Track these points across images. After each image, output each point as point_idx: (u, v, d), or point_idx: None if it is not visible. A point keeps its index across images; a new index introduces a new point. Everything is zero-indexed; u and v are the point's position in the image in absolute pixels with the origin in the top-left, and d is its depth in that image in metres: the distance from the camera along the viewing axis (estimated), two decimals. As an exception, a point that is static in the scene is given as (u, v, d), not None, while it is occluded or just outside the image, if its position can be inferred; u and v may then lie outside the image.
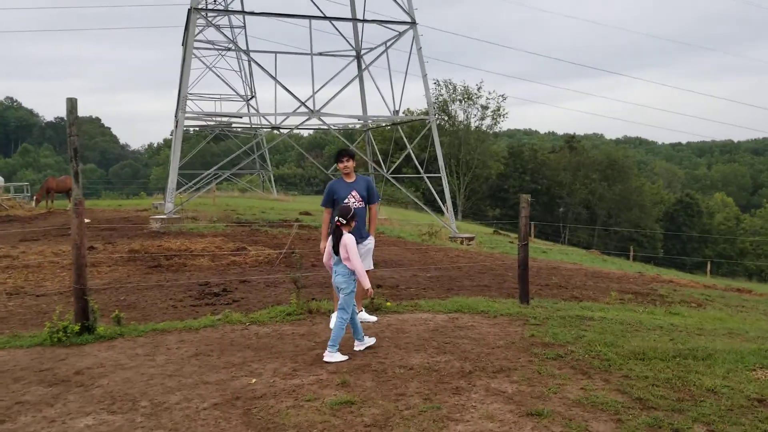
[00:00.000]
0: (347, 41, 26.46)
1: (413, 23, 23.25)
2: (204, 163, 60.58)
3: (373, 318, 7.87)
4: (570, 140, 79.79)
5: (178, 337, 7.34)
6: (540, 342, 6.92)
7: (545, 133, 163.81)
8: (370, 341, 6.80)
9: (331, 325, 7.56)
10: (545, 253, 24.55)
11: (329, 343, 6.36)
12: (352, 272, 6.47)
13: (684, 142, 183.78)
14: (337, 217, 6.55)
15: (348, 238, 6.44)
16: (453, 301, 9.17)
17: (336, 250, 6.49)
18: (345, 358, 6.31)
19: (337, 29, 25.25)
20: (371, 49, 26.46)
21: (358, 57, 27.17)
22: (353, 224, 6.64)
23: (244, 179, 53.24)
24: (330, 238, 6.63)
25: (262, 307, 9.02)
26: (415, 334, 7.23)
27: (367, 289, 6.44)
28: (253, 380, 5.71)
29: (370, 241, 7.85)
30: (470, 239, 21.97)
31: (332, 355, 6.30)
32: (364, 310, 7.96)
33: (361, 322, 7.60)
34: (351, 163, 7.69)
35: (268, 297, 10.08)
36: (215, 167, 26.90)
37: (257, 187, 50.67)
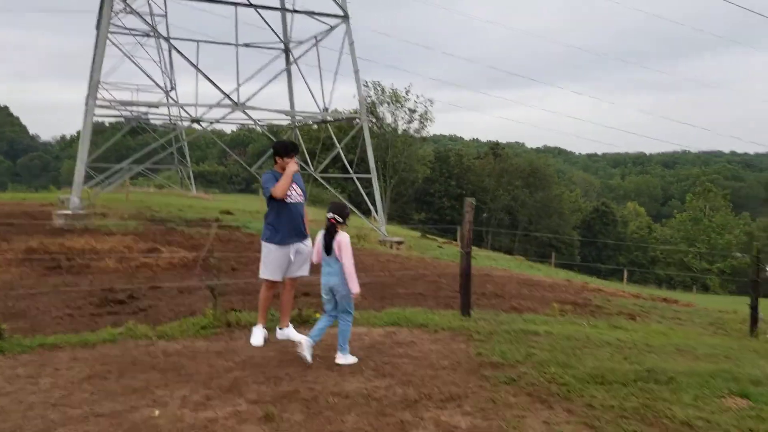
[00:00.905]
0: (275, 33, 25.29)
1: (346, 17, 22.41)
2: (120, 157, 57.47)
3: (301, 337, 6.92)
4: (495, 147, 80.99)
5: (70, 354, 6.21)
6: (488, 362, 6.22)
7: (470, 140, 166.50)
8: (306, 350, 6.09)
9: (254, 341, 6.65)
10: (474, 258, 24.20)
11: (340, 344, 6.12)
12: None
13: (600, 153, 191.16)
14: (332, 214, 6.09)
15: (344, 238, 6.06)
16: (389, 312, 8.38)
17: (328, 249, 6.06)
18: (356, 359, 6.12)
19: (264, 19, 24.05)
20: (301, 43, 25.43)
21: (287, 50, 26.08)
22: (347, 222, 6.23)
23: (161, 175, 50.85)
24: (321, 236, 6.15)
25: (173, 319, 7.95)
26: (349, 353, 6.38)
27: (355, 293, 6.08)
28: (156, 412, 4.71)
29: (310, 243, 6.97)
30: (400, 243, 21.33)
31: (346, 357, 6.10)
32: (291, 325, 7.03)
33: (287, 339, 6.68)
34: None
35: (180, 306, 8.99)
36: (128, 160, 25.13)
37: (175, 184, 48.44)
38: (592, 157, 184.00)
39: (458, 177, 72.91)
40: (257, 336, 6.73)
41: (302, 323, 7.55)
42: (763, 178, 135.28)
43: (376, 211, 23.31)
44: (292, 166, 6.64)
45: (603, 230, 79.85)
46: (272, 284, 6.74)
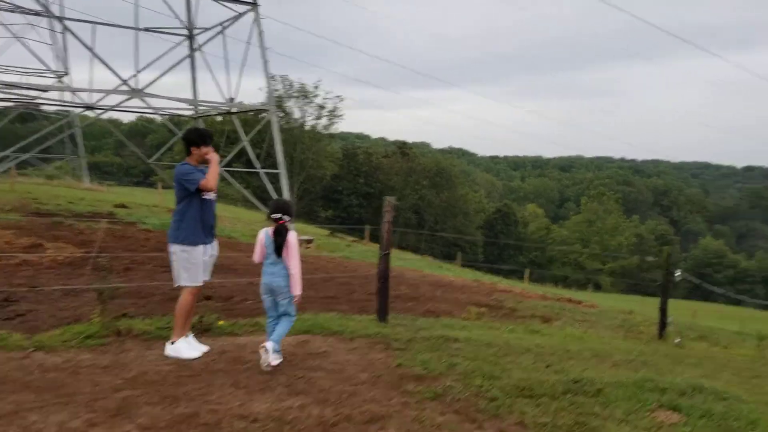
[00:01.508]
0: (177, 17, 23.91)
1: (254, 4, 21.45)
2: (6, 146, 53.41)
3: (203, 348, 6.19)
4: (402, 146, 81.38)
5: None
6: (410, 374, 5.76)
7: (377, 138, 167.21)
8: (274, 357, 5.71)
9: (189, 353, 5.94)
10: (383, 258, 23.95)
11: (274, 347, 5.69)
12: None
13: (501, 155, 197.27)
14: (280, 214, 5.74)
15: (293, 238, 5.82)
16: (301, 318, 7.76)
17: (279, 250, 5.75)
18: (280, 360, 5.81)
19: (166, 2, 22.70)
20: (206, 30, 24.19)
21: (191, 37, 24.74)
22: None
23: (52, 165, 47.49)
24: (265, 235, 5.80)
25: (55, 326, 6.99)
26: (258, 366, 5.74)
27: (297, 296, 5.88)
28: (25, 445, 3.94)
29: (217, 246, 6.26)
30: (309, 242, 20.65)
31: (278, 357, 5.79)
32: (191, 334, 6.28)
33: (179, 357, 5.92)
34: None
35: (64, 311, 8.00)
36: (13, 148, 23.03)
37: (67, 175, 45.34)
38: (494, 159, 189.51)
39: (366, 175, 72.70)
40: (189, 349, 5.99)
41: (204, 332, 6.82)
42: (650, 183, 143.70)
43: (284, 208, 22.51)
44: (215, 155, 5.97)
45: (505, 230, 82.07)
46: (196, 290, 6.02)
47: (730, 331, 16.30)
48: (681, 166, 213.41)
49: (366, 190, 70.94)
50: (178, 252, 5.87)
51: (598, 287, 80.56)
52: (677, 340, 9.69)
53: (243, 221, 26.29)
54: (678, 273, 9.71)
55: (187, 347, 6.02)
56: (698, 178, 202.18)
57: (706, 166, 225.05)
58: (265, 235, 5.82)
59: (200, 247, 5.93)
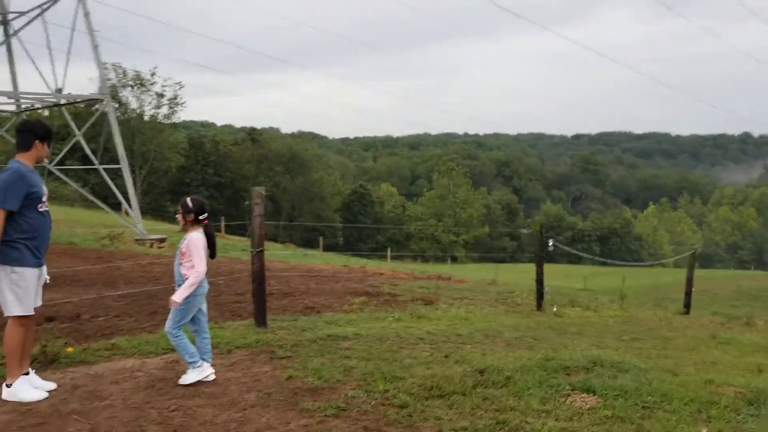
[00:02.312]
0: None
1: (77, -17, 19.25)
2: None
3: (49, 386, 5.08)
4: (252, 133, 79.12)
5: None
6: (304, 387, 5.06)
7: (222, 126, 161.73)
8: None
9: (31, 396, 4.79)
10: (245, 251, 22.73)
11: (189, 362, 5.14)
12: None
13: (352, 137, 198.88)
14: (204, 216, 5.16)
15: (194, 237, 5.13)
16: (163, 333, 6.77)
17: (215, 252, 5.24)
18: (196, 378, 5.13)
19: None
20: (23, 14, 21.45)
21: (5, 22, 21.84)
22: None
23: None
24: (202, 238, 5.14)
25: None
26: (120, 400, 4.77)
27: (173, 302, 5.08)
28: None
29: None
30: (161, 241, 19.07)
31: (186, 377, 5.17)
32: (32, 370, 5.14)
33: (19, 401, 4.81)
34: None
35: None
36: None
37: None
38: (344, 141, 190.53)
39: (215, 165, 69.88)
40: (30, 390, 4.84)
41: (49, 364, 5.68)
42: (492, 156, 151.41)
43: (130, 206, 20.63)
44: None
45: (362, 211, 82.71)
46: (27, 320, 4.86)
47: (592, 293, 17.09)
48: (519, 138, 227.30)
49: (216, 180, 68.24)
50: (7, 275, 4.72)
51: (454, 259, 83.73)
52: (554, 309, 9.76)
53: (83, 224, 23.97)
54: (551, 243, 9.75)
55: (27, 388, 4.90)
56: (535, 148, 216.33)
57: (540, 137, 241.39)
58: (202, 238, 5.15)
59: (35, 270, 4.82)
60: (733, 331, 9.94)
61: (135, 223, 20.28)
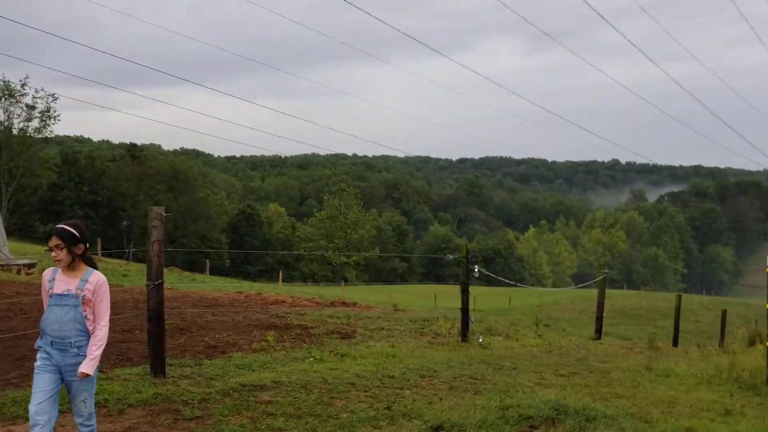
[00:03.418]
0: None
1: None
2: None
3: None
4: (132, 149, 74.88)
5: None
6: (225, 462, 3.98)
7: (99, 141, 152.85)
8: None
9: None
10: (126, 276, 20.70)
11: None
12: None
13: (239, 155, 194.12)
14: (82, 239, 3.72)
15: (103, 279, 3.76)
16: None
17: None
18: None
19: None
20: None
21: None
22: None
23: None
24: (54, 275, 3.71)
25: None
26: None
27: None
28: None
29: None
30: (31, 266, 16.85)
31: None
32: None
33: None
34: None
35: None
36: None
37: None
38: (231, 159, 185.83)
39: (91, 182, 65.33)
40: None
41: None
42: (381, 178, 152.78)
43: (-7, 227, 18.18)
44: None
45: (250, 232, 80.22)
46: None
47: (505, 319, 16.75)
48: (406, 161, 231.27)
49: (92, 199, 63.80)
50: None
51: (345, 280, 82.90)
52: (480, 340, 9.12)
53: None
54: (476, 269, 9.13)
55: None
56: (421, 170, 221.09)
57: (427, 160, 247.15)
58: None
59: None
60: (656, 358, 9.71)
61: (0, 246, 17.87)
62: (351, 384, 6.01)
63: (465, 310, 9.05)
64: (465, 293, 9.11)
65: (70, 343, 3.59)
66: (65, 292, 3.63)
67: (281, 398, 5.34)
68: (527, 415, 4.93)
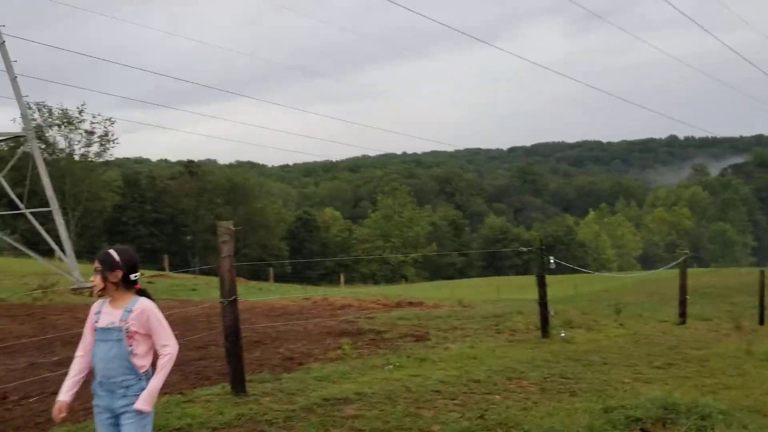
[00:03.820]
0: None
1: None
2: None
3: None
4: (189, 165, 76.64)
5: None
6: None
7: (158, 161, 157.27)
8: None
9: None
10: (195, 290, 20.98)
11: None
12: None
13: (291, 163, 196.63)
14: (136, 275, 3.36)
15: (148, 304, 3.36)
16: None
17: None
18: None
19: None
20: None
21: None
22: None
23: None
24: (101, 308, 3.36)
25: None
26: None
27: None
28: None
29: None
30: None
31: None
32: None
33: None
34: None
35: None
36: None
37: None
38: (284, 168, 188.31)
39: (153, 201, 67.20)
40: None
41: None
42: (432, 174, 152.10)
43: (63, 252, 18.71)
44: None
45: (308, 237, 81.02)
46: None
47: (579, 309, 16.15)
48: (456, 155, 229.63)
49: (155, 217, 65.58)
50: None
51: (405, 279, 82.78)
52: (562, 334, 8.70)
53: (12, 274, 21.75)
54: (552, 261, 8.73)
55: None
56: (472, 163, 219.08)
57: (477, 152, 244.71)
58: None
59: None
60: (753, 341, 9.08)
61: (70, 270, 18.36)
62: (436, 392, 5.73)
63: (543, 304, 8.65)
64: (542, 286, 8.70)
65: (117, 383, 3.24)
66: (109, 326, 3.28)
67: (367, 411, 5.11)
68: (635, 417, 4.55)
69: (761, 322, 14.84)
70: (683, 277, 12.01)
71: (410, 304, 16.19)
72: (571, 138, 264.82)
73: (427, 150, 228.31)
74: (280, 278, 61.17)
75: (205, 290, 21.02)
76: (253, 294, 20.77)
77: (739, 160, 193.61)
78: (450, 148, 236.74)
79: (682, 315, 11.93)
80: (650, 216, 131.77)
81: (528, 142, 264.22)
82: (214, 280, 30.92)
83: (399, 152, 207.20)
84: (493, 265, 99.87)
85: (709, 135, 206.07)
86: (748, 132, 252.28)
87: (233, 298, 5.60)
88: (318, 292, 23.31)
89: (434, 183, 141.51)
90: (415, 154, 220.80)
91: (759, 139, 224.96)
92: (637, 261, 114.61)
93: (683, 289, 11.95)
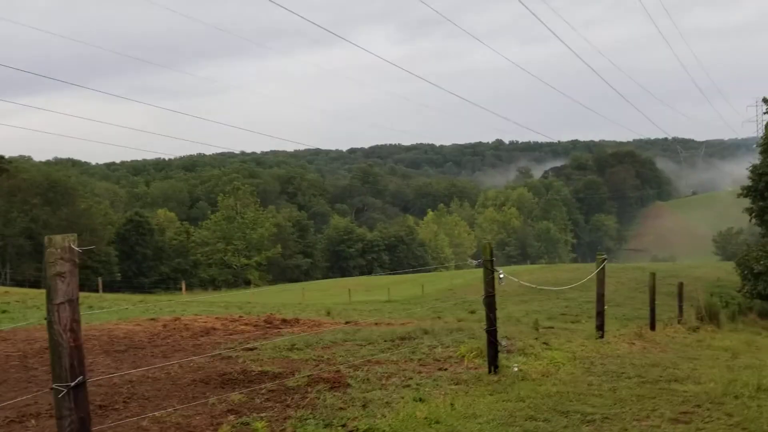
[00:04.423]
0: None
1: None
2: None
3: None
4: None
5: None
6: None
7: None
8: None
9: None
10: (4, 312, 16.79)
11: None
12: None
13: (118, 161, 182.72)
14: None
15: None
16: None
17: None
18: None
19: None
20: None
21: None
22: None
23: None
24: None
25: None
26: None
27: None
28: None
29: None
30: None
31: None
32: None
33: None
34: None
35: None
36: None
37: None
38: (110, 166, 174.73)
39: (-48, 201, 57.88)
40: None
41: None
42: (274, 174, 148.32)
43: None
44: None
45: (141, 241, 74.47)
46: None
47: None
48: (297, 154, 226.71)
49: (-45, 220, 56.49)
50: None
51: (248, 283, 78.82)
52: (515, 368, 6.90)
53: None
54: (501, 275, 6.92)
55: None
56: (313, 163, 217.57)
57: (317, 152, 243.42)
58: None
59: None
60: (731, 366, 7.87)
61: None
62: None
63: (492, 332, 6.77)
64: (492, 308, 6.82)
65: None
66: None
67: None
68: None
69: (652, 327, 14.25)
70: (600, 285, 10.81)
71: (284, 321, 13.80)
72: (406, 141, 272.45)
73: (267, 150, 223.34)
74: (109, 287, 55.20)
75: (20, 311, 16.98)
76: (83, 313, 17.08)
77: (558, 163, 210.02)
78: (290, 148, 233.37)
79: (600, 328, 10.73)
80: (482, 216, 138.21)
81: (366, 144, 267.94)
82: (32, 294, 25.96)
83: (237, 151, 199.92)
84: (338, 265, 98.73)
85: (531, 140, 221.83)
86: (565, 137, 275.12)
87: (79, 381, 3.05)
88: (164, 307, 20.00)
89: (276, 183, 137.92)
90: (254, 153, 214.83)
91: (575, 144, 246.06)
92: (472, 259, 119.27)
93: (601, 299, 10.75)
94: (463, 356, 7.60)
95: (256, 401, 6.03)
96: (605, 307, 10.97)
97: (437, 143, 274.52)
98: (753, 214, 29.27)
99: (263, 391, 6.39)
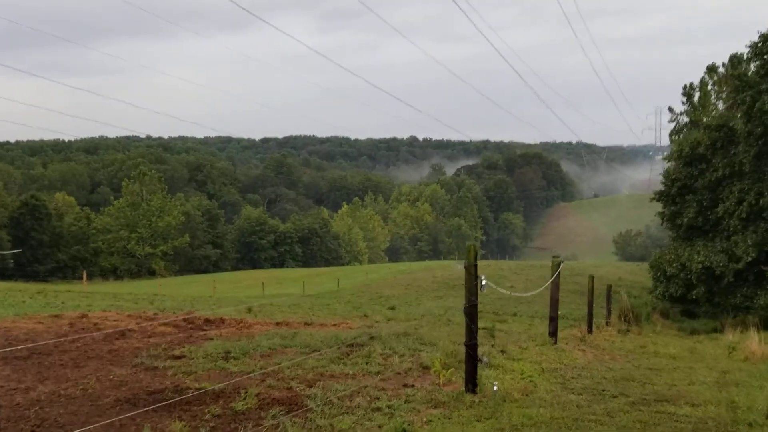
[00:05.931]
0: None
1: None
2: None
3: None
4: None
5: None
6: None
7: None
8: None
9: None
10: None
11: None
12: None
13: (12, 141, 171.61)
14: None
15: None
16: None
17: None
18: None
19: None
20: None
21: None
22: None
23: None
24: None
25: None
26: None
27: None
28: None
29: None
30: None
31: None
32: None
33: None
34: None
35: None
36: None
37: None
38: (4, 145, 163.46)
39: None
40: None
41: None
42: (182, 160, 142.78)
43: None
44: None
45: (36, 226, 69.37)
46: None
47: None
48: (207, 141, 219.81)
49: None
50: None
51: (152, 273, 75.18)
52: (495, 388, 6.14)
53: None
54: (484, 281, 6.13)
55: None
56: (224, 151, 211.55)
57: (228, 140, 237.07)
58: None
59: None
60: (724, 382, 7.44)
61: None
62: None
63: (473, 346, 5.97)
64: (473, 320, 6.01)
65: None
66: None
67: None
68: None
69: (590, 330, 14.01)
70: (555, 290, 10.28)
71: (207, 321, 12.54)
72: (321, 133, 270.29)
73: (175, 135, 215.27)
74: (0, 274, 50.99)
75: None
76: (-31, 308, 15.10)
77: (469, 161, 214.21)
78: (200, 134, 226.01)
79: (553, 334, 10.21)
80: (396, 211, 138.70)
81: (280, 134, 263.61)
82: None
83: (143, 135, 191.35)
84: (249, 257, 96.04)
85: (444, 138, 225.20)
86: (476, 137, 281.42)
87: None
88: (65, 301, 18.11)
89: (185, 170, 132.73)
90: (161, 138, 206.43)
91: (486, 144, 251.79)
92: (384, 253, 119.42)
93: (555, 304, 10.23)
94: (426, 367, 6.79)
95: (200, 430, 4.95)
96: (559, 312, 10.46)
97: (352, 137, 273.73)
98: (665, 219, 30.08)
99: (207, 416, 5.31)
